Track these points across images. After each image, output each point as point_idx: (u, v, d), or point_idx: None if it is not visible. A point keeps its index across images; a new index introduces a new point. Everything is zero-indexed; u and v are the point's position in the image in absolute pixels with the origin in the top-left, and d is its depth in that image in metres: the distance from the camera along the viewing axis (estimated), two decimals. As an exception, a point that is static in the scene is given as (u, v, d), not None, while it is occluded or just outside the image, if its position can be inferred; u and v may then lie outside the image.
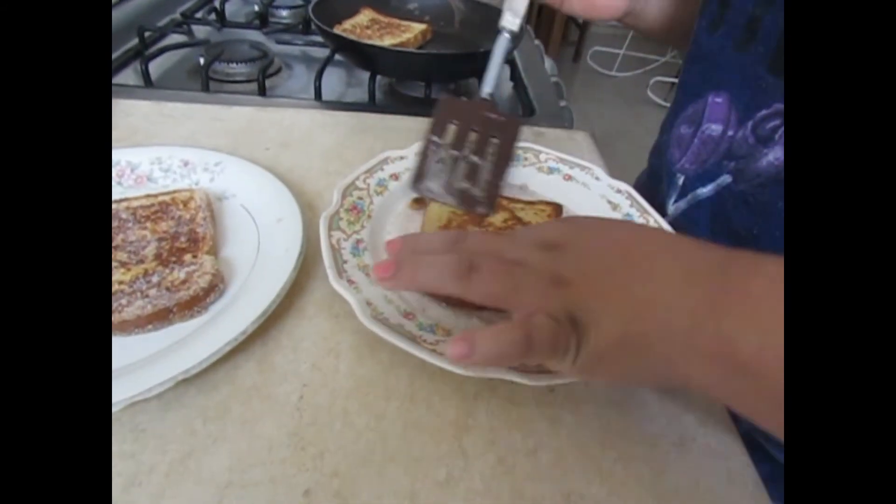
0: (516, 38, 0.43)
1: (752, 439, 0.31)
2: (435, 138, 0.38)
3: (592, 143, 0.57)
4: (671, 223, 0.43)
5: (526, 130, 0.57)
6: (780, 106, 0.40)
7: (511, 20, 0.42)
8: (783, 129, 0.40)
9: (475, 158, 0.38)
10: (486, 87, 0.41)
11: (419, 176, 0.37)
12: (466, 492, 0.26)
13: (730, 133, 0.43)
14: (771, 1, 0.40)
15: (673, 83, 2.71)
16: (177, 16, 0.75)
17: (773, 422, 0.22)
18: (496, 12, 0.74)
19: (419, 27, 0.69)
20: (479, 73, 0.62)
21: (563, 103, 0.69)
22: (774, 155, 0.39)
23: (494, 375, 0.29)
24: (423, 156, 0.38)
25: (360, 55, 0.60)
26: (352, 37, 0.62)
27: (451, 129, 0.39)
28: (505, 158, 0.38)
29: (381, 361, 0.31)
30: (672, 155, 0.48)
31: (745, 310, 0.22)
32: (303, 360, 0.31)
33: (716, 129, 0.44)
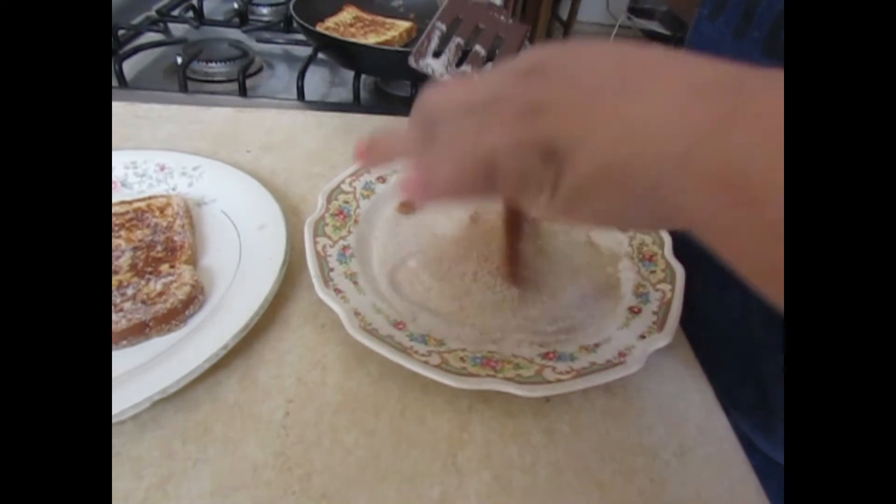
0: None
1: (740, 432, 0.31)
2: (440, 24, 0.39)
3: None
4: None
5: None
6: None
7: None
8: None
9: (479, 48, 0.38)
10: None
11: (420, 53, 0.38)
12: (462, 511, 0.25)
13: None
14: None
15: (657, 80, 2.73)
16: (152, 13, 0.73)
17: (764, 266, 0.18)
18: (483, 10, 0.73)
19: (404, 25, 0.68)
20: (467, 71, 0.61)
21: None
22: None
23: (488, 387, 0.27)
24: (427, 36, 0.38)
25: (344, 54, 0.58)
26: (335, 35, 0.60)
27: (459, 21, 0.40)
28: (511, 54, 0.39)
29: (371, 374, 0.30)
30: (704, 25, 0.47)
31: (758, 127, 0.17)
32: (287, 375, 0.30)
33: None
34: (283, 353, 0.31)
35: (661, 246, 0.38)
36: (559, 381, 0.28)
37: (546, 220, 0.24)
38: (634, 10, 3.09)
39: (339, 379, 0.30)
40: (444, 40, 0.39)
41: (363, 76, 0.60)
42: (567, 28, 3.09)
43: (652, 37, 3.00)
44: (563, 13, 3.11)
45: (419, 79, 0.60)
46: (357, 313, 0.30)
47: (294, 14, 0.59)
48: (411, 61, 0.38)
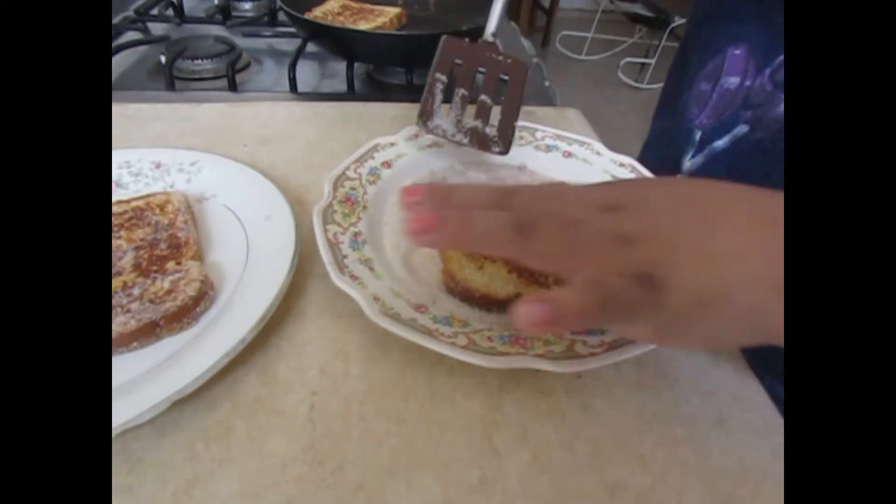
0: None
1: (776, 397, 0.30)
2: (440, 76, 0.37)
3: (585, 119, 0.55)
4: None
5: (515, 110, 0.55)
6: None
7: None
8: None
9: (485, 97, 0.37)
10: (490, 28, 0.39)
11: (426, 114, 0.36)
12: (503, 494, 0.24)
13: (747, 83, 0.42)
14: None
15: (643, 63, 2.73)
16: (130, 13, 0.71)
17: None
18: (472, -7, 0.72)
19: (393, 11, 0.66)
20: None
21: (546, 83, 0.67)
22: None
23: (520, 365, 0.26)
24: (430, 94, 0.37)
25: (336, 41, 0.57)
26: (317, 20, 0.59)
27: (457, 68, 0.38)
28: (516, 97, 0.38)
29: (395, 360, 0.29)
30: (691, 112, 0.48)
31: None
32: (309, 367, 0.29)
33: (734, 81, 0.43)
34: (301, 345, 0.30)
35: None
36: (592, 354, 0.27)
37: (654, 343, 0.25)
38: (616, -6, 3.09)
39: (362, 368, 0.29)
40: (446, 95, 0.37)
41: (356, 65, 0.58)
42: (550, 16, 3.08)
43: (635, 19, 2.99)
44: (545, 1, 3.10)
45: (414, 64, 0.59)
46: (376, 298, 0.29)
47: (282, 4, 0.58)
48: (419, 125, 0.37)
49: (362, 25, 0.62)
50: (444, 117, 0.36)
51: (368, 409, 0.27)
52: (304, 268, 0.34)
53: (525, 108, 0.56)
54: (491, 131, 0.37)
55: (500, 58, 0.39)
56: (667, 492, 0.25)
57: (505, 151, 0.37)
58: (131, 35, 0.65)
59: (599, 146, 0.45)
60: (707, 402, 0.29)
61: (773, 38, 0.40)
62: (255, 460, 0.25)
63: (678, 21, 2.64)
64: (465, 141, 0.37)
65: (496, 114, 0.38)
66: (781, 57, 0.39)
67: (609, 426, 0.27)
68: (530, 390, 0.28)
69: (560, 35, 3.08)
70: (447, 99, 0.39)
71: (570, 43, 3.04)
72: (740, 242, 0.21)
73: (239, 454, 0.25)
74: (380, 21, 0.63)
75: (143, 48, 0.63)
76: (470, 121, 0.36)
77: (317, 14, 0.63)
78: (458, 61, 0.38)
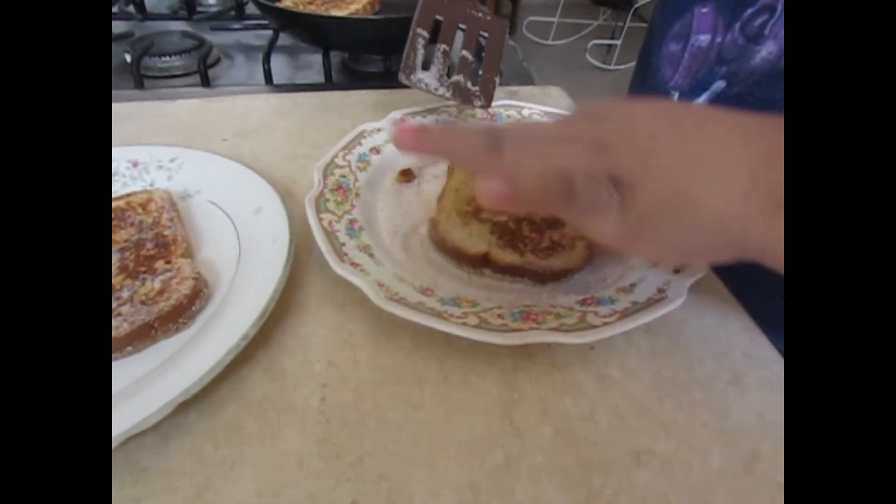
0: None
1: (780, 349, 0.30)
2: (421, 31, 0.38)
3: (567, 96, 0.55)
4: None
5: (498, 90, 0.54)
6: (766, 0, 0.39)
7: None
8: (772, 22, 0.39)
9: (466, 53, 0.38)
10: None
11: (409, 68, 0.37)
12: (530, 470, 0.23)
13: (718, 39, 0.42)
14: None
15: (609, 45, 2.75)
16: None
17: None
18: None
19: (364, -3, 0.65)
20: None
21: (524, 63, 0.67)
22: (767, 50, 0.39)
23: (534, 340, 0.26)
24: (412, 48, 0.37)
25: (311, 30, 0.55)
26: (290, 9, 0.57)
27: (440, 23, 0.39)
28: (496, 53, 0.39)
29: (404, 346, 0.28)
30: (664, 74, 0.47)
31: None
32: (316, 359, 0.28)
33: (704, 39, 0.43)
34: (305, 337, 0.29)
35: None
36: (605, 324, 0.27)
37: (617, 247, 0.24)
38: (579, -22, 3.09)
39: (371, 356, 0.28)
40: (428, 47, 0.38)
41: (332, 54, 0.57)
42: (515, 2, 3.08)
43: (599, 2, 3.01)
44: (509, -13, 3.09)
45: (392, 51, 0.58)
46: (381, 284, 0.28)
47: (250, -6, 0.56)
48: (402, 77, 0.37)
49: (335, 13, 0.60)
50: (425, 72, 0.37)
51: (382, 397, 0.26)
52: (299, 259, 0.32)
53: (508, 88, 0.55)
54: (473, 86, 0.37)
55: (480, 14, 0.39)
56: (692, 454, 0.24)
57: (487, 105, 0.39)
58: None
59: None
60: (720, 363, 0.29)
61: None
62: (269, 459, 0.23)
63: (641, 2, 2.66)
64: (448, 95, 0.38)
65: (478, 67, 0.39)
66: (750, 10, 0.39)
67: (627, 394, 0.27)
68: (545, 365, 0.28)
69: (527, 21, 3.07)
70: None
71: (537, 28, 3.04)
72: (715, 150, 0.21)
73: (251, 454, 0.24)
74: (353, 8, 0.62)
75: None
76: (453, 75, 0.37)
77: (287, 3, 0.61)
78: (438, 17, 0.39)
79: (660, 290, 0.29)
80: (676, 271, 0.30)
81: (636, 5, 2.67)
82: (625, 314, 0.27)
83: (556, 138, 0.23)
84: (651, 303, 0.28)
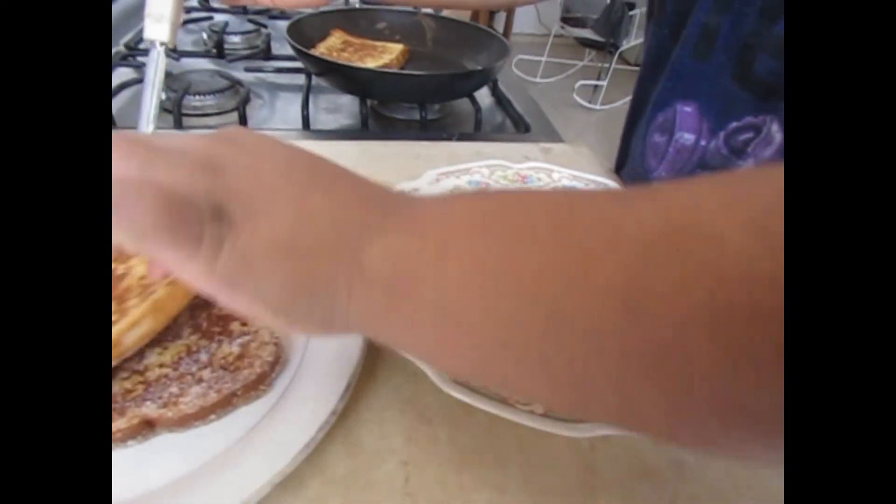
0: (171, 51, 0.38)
1: None
2: None
3: (596, 155, 0.57)
4: None
5: (533, 147, 0.56)
6: (751, 119, 0.41)
7: (159, 29, 0.35)
8: (756, 141, 0.41)
9: None
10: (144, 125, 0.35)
11: None
12: (619, 561, 0.24)
13: (702, 143, 0.44)
14: (726, 8, 0.41)
15: (596, 86, 2.85)
16: (120, 47, 0.67)
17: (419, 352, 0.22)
18: (468, 28, 0.73)
19: (397, 48, 0.66)
20: (474, 91, 0.61)
21: (548, 118, 0.69)
22: (748, 167, 0.40)
23: (602, 433, 0.26)
24: None
25: (348, 79, 0.56)
26: (330, 58, 0.58)
27: None
28: None
29: (480, 422, 0.28)
30: (649, 164, 0.49)
31: (406, 228, 0.19)
32: (394, 434, 0.27)
33: (689, 137, 0.45)
34: (380, 410, 0.29)
35: None
36: None
37: (213, 292, 0.20)
38: (567, 20, 3.22)
39: (449, 432, 0.28)
40: None
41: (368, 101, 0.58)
42: (505, 34, 3.17)
43: (586, 44, 3.13)
44: (499, 26, 3.19)
45: (427, 101, 0.59)
46: None
47: (290, 39, 0.56)
48: None
49: (370, 62, 0.61)
50: None
51: (466, 479, 0.26)
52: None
53: (541, 145, 0.57)
54: None
55: None
56: (770, 545, 0.25)
57: None
58: (124, 71, 0.62)
59: (615, 186, 0.46)
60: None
61: (724, 101, 0.41)
62: (359, 543, 0.23)
63: (626, 45, 2.79)
64: None
65: None
66: (735, 123, 0.41)
67: (705, 482, 0.27)
68: (622, 447, 0.28)
69: (516, 59, 3.17)
70: None
71: (525, 66, 3.13)
72: (338, 207, 0.20)
73: (340, 537, 0.23)
74: (386, 58, 0.63)
75: (137, 85, 0.60)
76: None
77: (322, 50, 0.62)
78: None
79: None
80: None
81: (621, 49, 2.79)
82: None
83: (172, 153, 0.19)
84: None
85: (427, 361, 0.22)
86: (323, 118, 0.61)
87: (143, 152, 0.19)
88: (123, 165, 0.18)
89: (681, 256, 0.14)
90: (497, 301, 0.17)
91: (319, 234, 0.19)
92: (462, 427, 0.28)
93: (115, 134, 0.18)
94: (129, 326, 0.25)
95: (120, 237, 0.18)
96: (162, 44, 0.35)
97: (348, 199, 0.20)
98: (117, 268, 0.29)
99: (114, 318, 0.25)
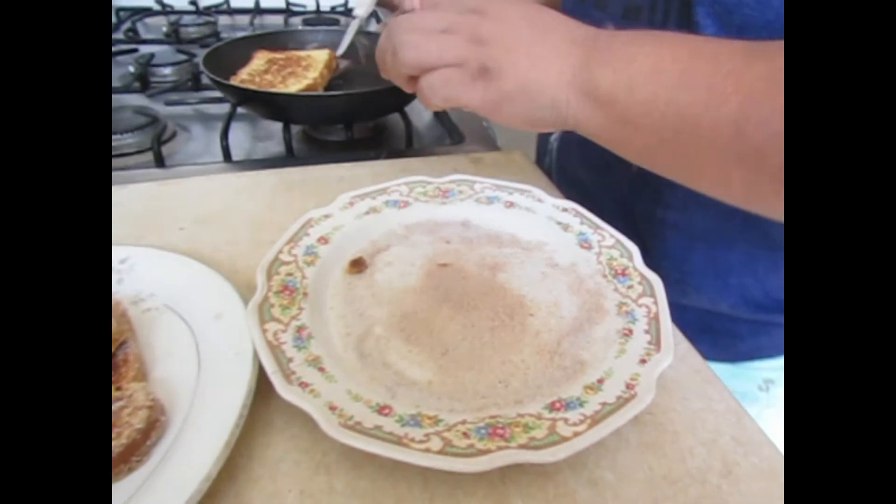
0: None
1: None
2: None
3: (529, 161, 0.55)
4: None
5: (463, 159, 0.54)
6: None
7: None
8: None
9: None
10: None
11: None
12: None
13: None
14: None
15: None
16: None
17: (618, 146, 0.33)
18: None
19: (321, 57, 0.64)
20: (404, 106, 0.59)
21: (485, 123, 0.67)
22: None
23: (503, 463, 0.24)
24: None
25: (269, 106, 0.54)
26: (252, 86, 0.56)
27: None
28: None
29: (383, 465, 0.26)
30: (552, 144, 0.50)
31: (605, 60, 0.31)
32: (287, 490, 0.25)
33: None
34: (274, 463, 0.26)
35: (631, 258, 0.37)
36: (577, 434, 0.25)
37: (479, 111, 0.34)
38: None
39: (348, 480, 0.26)
40: None
41: (291, 126, 0.56)
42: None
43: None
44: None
45: (353, 121, 0.57)
46: (332, 408, 0.26)
47: (206, 70, 0.55)
48: None
49: (292, 84, 0.60)
50: None
51: (363, 530, 0.24)
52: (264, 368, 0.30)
53: (472, 155, 0.55)
54: None
55: None
56: (694, 569, 0.23)
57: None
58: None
59: (539, 192, 0.43)
60: (711, 452, 0.28)
61: None
62: None
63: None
64: None
65: None
66: None
67: (622, 499, 0.25)
68: (534, 475, 0.26)
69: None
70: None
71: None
72: (554, 52, 0.32)
73: None
74: (310, 76, 0.61)
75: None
76: None
77: (243, 77, 0.61)
78: None
79: (628, 386, 0.28)
80: (642, 361, 0.29)
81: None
82: (595, 419, 0.26)
83: (440, 31, 0.33)
84: (621, 402, 0.27)
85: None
86: (250, 146, 0.59)
87: (436, 46, 0.34)
88: (432, 53, 0.33)
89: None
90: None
91: (544, 73, 0.32)
92: (363, 473, 0.26)
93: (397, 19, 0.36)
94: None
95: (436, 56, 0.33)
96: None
97: (558, 46, 0.32)
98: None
99: None
